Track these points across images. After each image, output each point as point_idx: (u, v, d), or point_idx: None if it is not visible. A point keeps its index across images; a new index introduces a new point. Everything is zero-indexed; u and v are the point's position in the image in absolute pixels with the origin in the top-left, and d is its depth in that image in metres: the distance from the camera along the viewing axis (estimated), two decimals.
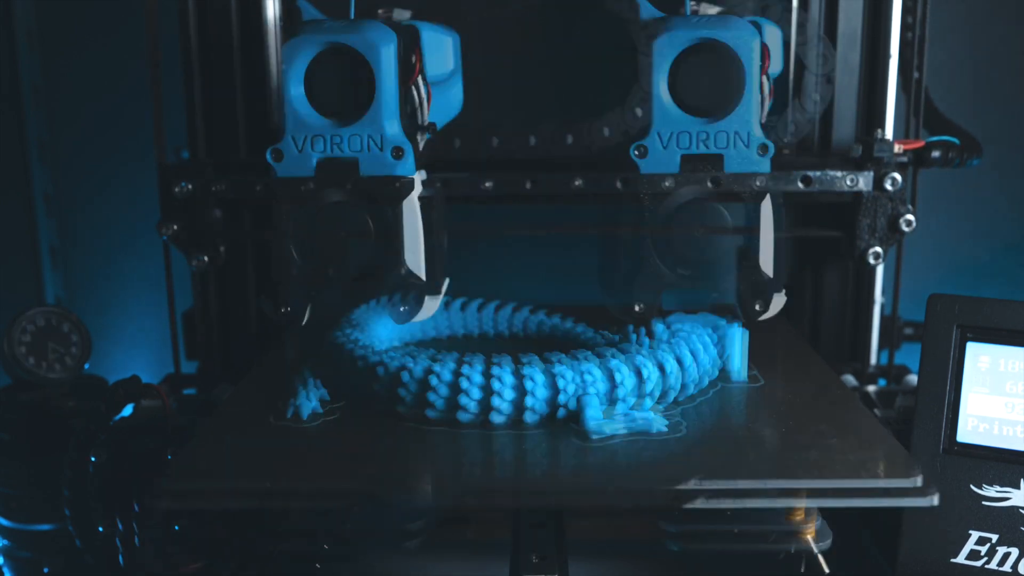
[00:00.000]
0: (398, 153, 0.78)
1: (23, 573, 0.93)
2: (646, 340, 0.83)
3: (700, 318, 0.87)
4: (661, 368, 0.77)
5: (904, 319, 1.17)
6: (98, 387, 0.96)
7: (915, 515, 0.71)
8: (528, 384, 0.74)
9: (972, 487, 0.70)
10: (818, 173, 0.99)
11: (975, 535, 0.69)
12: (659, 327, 0.85)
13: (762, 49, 0.77)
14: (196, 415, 0.94)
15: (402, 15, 0.89)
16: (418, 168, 0.81)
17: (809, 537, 0.72)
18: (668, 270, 0.82)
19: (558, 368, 0.75)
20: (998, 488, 0.69)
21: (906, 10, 1.06)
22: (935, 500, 0.66)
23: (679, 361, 0.79)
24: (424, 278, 0.81)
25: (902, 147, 1.00)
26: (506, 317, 1.00)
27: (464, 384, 0.74)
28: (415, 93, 0.82)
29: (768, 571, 0.75)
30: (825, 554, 0.73)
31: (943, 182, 1.26)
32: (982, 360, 0.71)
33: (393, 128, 0.78)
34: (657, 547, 0.85)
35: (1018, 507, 0.69)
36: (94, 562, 0.81)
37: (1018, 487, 0.69)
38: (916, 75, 1.05)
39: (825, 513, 0.74)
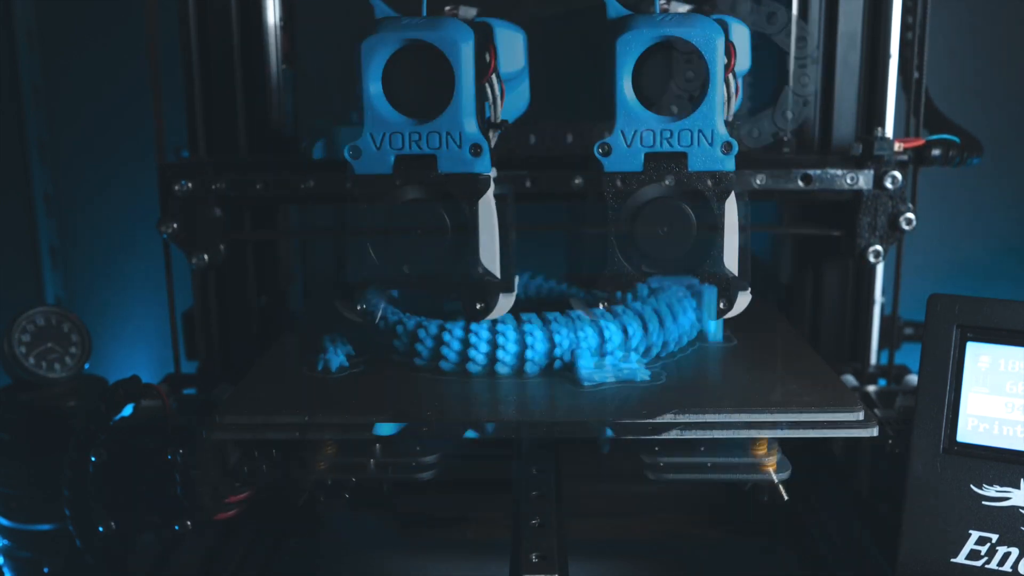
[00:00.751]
0: (476, 150, 0.78)
1: (23, 573, 0.93)
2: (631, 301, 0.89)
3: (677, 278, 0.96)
4: (645, 327, 0.86)
5: (904, 319, 1.17)
6: (98, 387, 0.96)
7: (915, 515, 0.71)
8: (529, 339, 0.83)
9: (972, 487, 0.70)
10: (818, 171, 0.99)
11: (975, 535, 0.69)
12: (641, 287, 0.94)
13: (728, 47, 0.77)
14: (196, 415, 0.94)
15: (468, 12, 0.89)
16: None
17: (771, 468, 0.81)
18: (634, 268, 0.82)
19: (555, 326, 0.84)
20: (998, 488, 0.69)
21: (906, 10, 1.06)
22: (875, 431, 0.74)
23: (660, 320, 0.87)
24: (499, 276, 0.82)
25: (902, 145, 1.00)
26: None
27: (473, 339, 0.83)
28: (489, 90, 0.82)
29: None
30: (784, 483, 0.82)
31: (943, 181, 1.26)
32: (982, 360, 0.71)
33: (471, 125, 0.78)
34: (657, 547, 0.86)
35: (1018, 507, 0.68)
36: (94, 562, 0.81)
37: (1018, 487, 0.69)
38: (916, 75, 1.05)
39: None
